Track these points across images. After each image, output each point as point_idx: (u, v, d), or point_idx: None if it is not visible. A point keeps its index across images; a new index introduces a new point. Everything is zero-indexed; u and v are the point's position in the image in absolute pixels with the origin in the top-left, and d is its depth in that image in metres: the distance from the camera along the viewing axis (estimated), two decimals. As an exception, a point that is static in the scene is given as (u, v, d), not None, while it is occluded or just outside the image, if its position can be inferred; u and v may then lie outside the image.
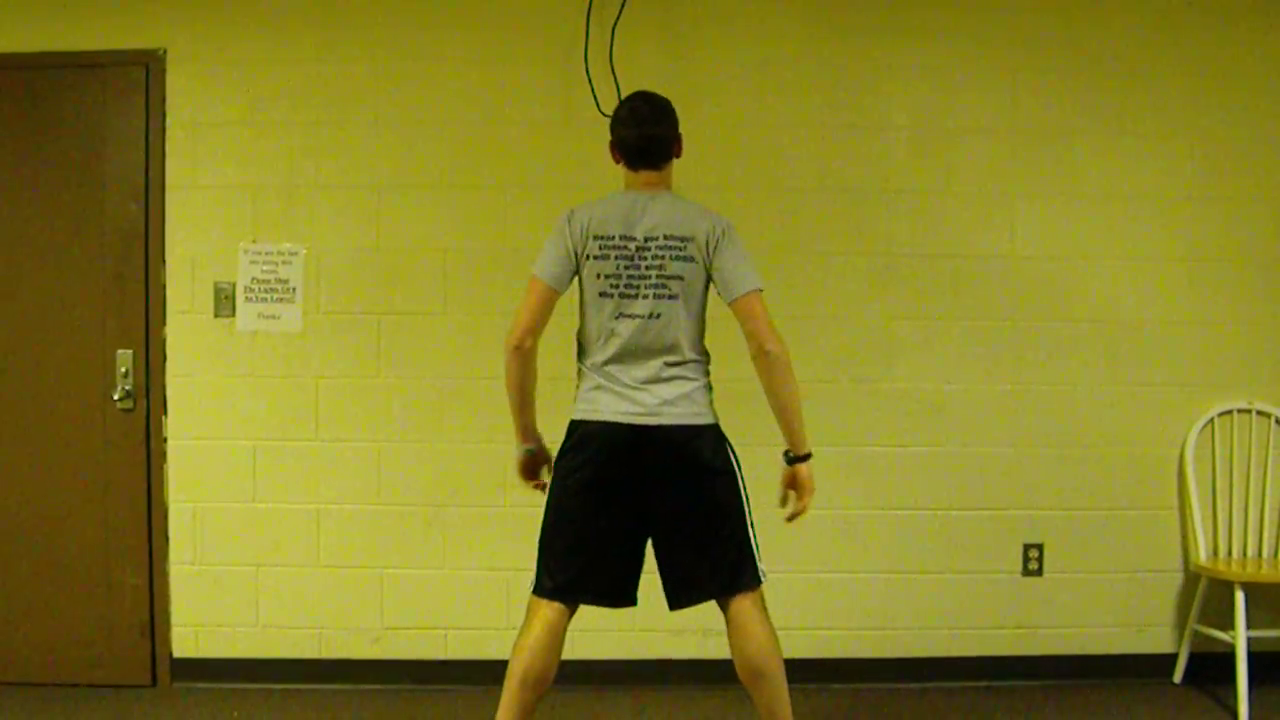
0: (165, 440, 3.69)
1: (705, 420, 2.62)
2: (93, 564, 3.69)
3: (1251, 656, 3.40)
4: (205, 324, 3.69)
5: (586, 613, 2.66)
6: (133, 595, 3.69)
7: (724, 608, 2.63)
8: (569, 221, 2.63)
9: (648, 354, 2.60)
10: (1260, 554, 3.71)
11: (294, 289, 3.70)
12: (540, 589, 2.62)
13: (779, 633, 2.64)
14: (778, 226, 3.71)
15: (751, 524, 2.65)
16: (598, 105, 3.58)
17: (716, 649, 2.96)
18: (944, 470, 3.75)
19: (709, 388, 2.67)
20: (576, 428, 2.63)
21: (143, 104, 3.68)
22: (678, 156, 2.73)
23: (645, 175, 2.68)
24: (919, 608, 3.75)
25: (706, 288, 2.64)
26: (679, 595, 2.66)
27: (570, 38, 3.67)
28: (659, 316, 2.59)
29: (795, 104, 3.72)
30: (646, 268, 2.59)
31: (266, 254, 3.69)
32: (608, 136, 2.74)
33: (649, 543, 2.66)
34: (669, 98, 2.74)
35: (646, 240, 2.59)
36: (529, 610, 2.62)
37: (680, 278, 2.59)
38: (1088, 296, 3.76)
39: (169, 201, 3.68)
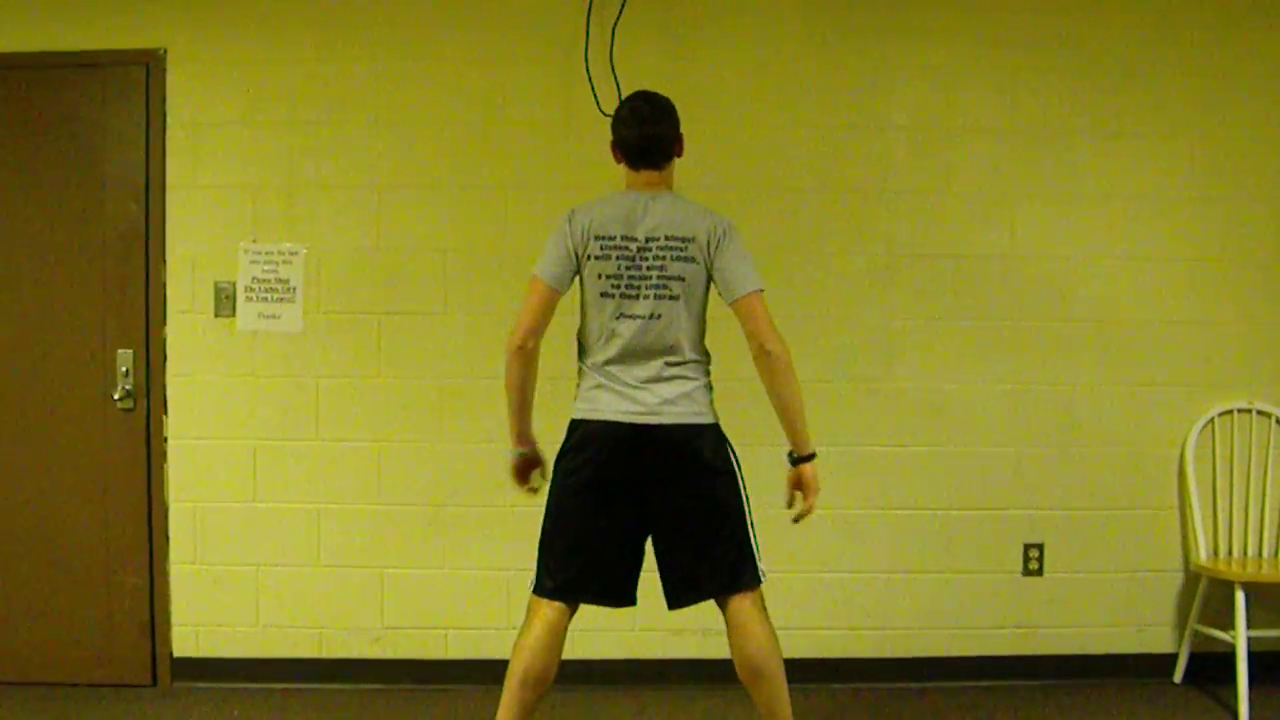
0: (165, 440, 3.69)
1: (706, 420, 2.62)
2: (93, 564, 3.69)
3: (1251, 656, 3.40)
4: (205, 324, 3.69)
5: (586, 613, 2.66)
6: (133, 595, 3.69)
7: (723, 607, 2.63)
8: (570, 222, 2.63)
9: (649, 354, 2.60)
10: (1260, 554, 3.71)
11: (294, 289, 3.70)
12: (540, 588, 2.62)
13: (779, 632, 2.64)
14: (778, 226, 3.71)
15: (751, 524, 2.65)
16: (598, 105, 3.58)
17: (716, 649, 2.96)
18: (944, 470, 3.75)
19: (709, 387, 2.67)
20: (577, 427, 2.63)
21: (143, 104, 3.68)
22: (679, 156, 2.73)
23: (646, 175, 2.68)
24: (919, 608, 3.75)
25: (707, 288, 2.64)
26: (679, 595, 2.66)
27: (570, 38, 3.67)
28: (660, 317, 2.59)
29: (795, 104, 3.73)
30: (648, 268, 2.59)
31: (267, 254, 3.69)
32: (608, 136, 2.74)
33: (649, 542, 2.67)
34: (669, 98, 2.74)
35: (648, 241, 2.60)
36: (529, 610, 2.62)
37: (681, 278, 2.59)
38: (1088, 296, 3.76)
39: (169, 201, 3.68)
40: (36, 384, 3.68)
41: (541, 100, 3.70)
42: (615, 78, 3.61)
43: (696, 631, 3.65)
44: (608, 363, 2.62)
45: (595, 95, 3.61)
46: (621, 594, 2.66)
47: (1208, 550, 3.68)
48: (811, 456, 2.64)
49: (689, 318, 2.62)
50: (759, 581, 2.63)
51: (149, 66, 3.68)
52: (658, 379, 2.60)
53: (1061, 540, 3.76)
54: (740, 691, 2.69)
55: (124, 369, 3.67)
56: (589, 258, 2.61)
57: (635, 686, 3.68)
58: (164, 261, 3.69)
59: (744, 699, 2.73)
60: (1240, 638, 3.39)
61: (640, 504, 2.61)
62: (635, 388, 2.59)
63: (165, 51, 3.69)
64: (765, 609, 2.63)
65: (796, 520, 2.67)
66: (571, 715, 3.45)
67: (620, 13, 3.63)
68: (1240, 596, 3.41)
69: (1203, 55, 3.75)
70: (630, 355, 2.60)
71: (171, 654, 3.71)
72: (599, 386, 2.62)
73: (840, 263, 3.74)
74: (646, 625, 3.61)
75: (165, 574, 3.70)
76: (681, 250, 2.59)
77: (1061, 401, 3.75)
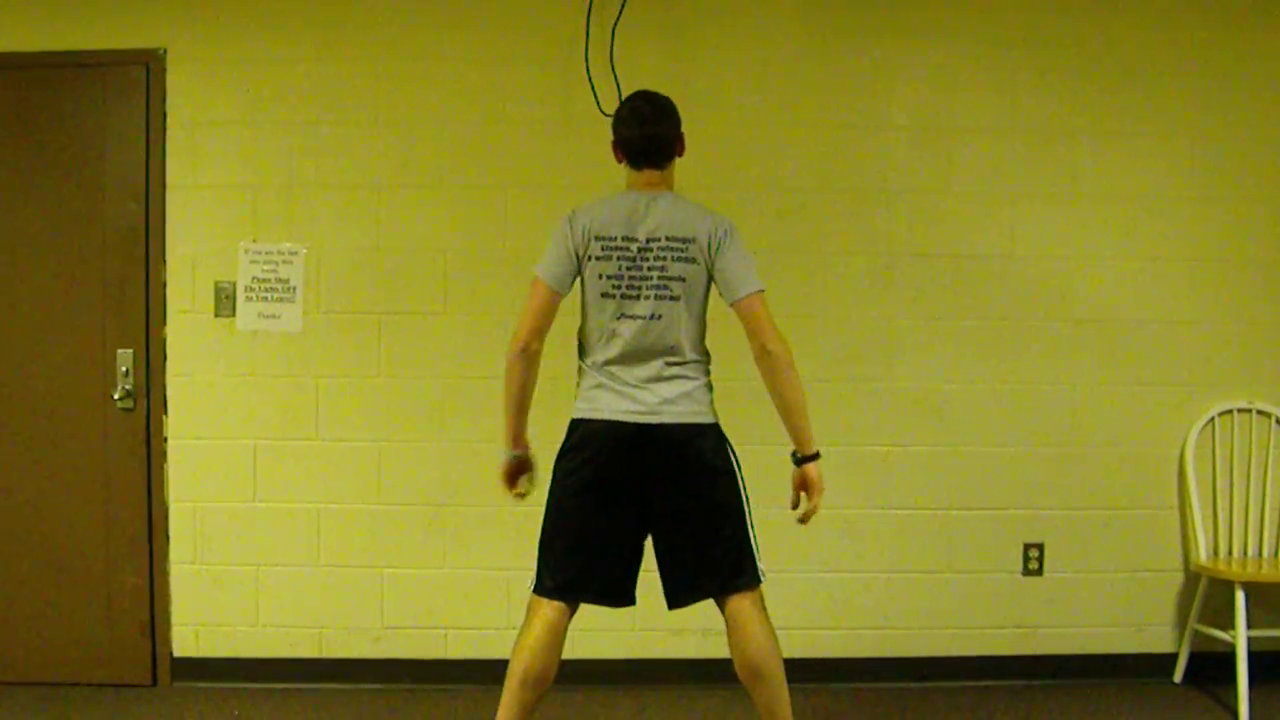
0: (165, 440, 3.69)
1: (706, 419, 2.63)
2: (93, 564, 3.69)
3: (1252, 656, 3.40)
4: (205, 324, 3.69)
5: (586, 612, 2.66)
6: (133, 595, 3.69)
7: (723, 607, 2.63)
8: (570, 223, 2.63)
9: (649, 354, 2.60)
10: (1260, 553, 3.71)
11: (294, 288, 3.70)
12: (541, 588, 2.62)
13: (779, 632, 2.63)
14: (778, 226, 3.71)
15: (751, 524, 2.65)
16: (598, 105, 3.58)
17: (716, 648, 2.96)
18: (944, 470, 3.75)
19: (709, 387, 2.68)
20: (578, 426, 2.63)
21: (143, 104, 3.68)
22: (680, 155, 2.73)
23: (648, 175, 2.68)
24: (919, 607, 3.75)
25: (708, 288, 2.64)
26: (678, 594, 2.66)
27: (570, 38, 3.67)
28: (660, 317, 2.59)
29: (795, 104, 3.73)
30: (648, 269, 2.59)
31: (266, 253, 3.69)
32: (608, 136, 2.74)
33: (648, 542, 2.67)
34: (669, 97, 2.74)
35: (648, 241, 2.60)
36: (529, 609, 2.62)
37: (682, 279, 2.59)
38: (1088, 296, 3.76)
39: (169, 201, 3.68)
40: (36, 384, 3.68)
41: (541, 100, 3.70)
42: (615, 78, 3.61)
43: (696, 631, 3.65)
44: (608, 363, 2.62)
45: (595, 95, 3.61)
46: (621, 594, 2.66)
47: (1208, 550, 3.69)
48: (816, 456, 2.64)
49: (689, 318, 2.62)
50: (759, 581, 2.64)
51: (149, 66, 3.68)
52: (658, 379, 2.60)
53: (1061, 540, 3.76)
54: (740, 691, 2.69)
55: (124, 369, 3.67)
56: (590, 258, 2.61)
57: (635, 686, 3.68)
58: (164, 261, 3.69)
59: (744, 699, 2.73)
60: (1240, 638, 3.39)
61: (640, 503, 2.61)
62: (636, 387, 2.59)
63: (165, 51, 3.69)
64: (765, 609, 2.63)
65: (803, 521, 2.67)
66: (571, 715, 3.45)
67: (620, 13, 3.63)
68: (1240, 596, 3.41)
69: (1203, 55, 3.75)
70: (631, 355, 2.60)
71: (171, 654, 3.71)
72: (599, 386, 2.62)
73: (840, 263, 3.74)
74: (646, 625, 3.61)
75: (165, 574, 3.70)
76: (682, 251, 2.59)
77: (1061, 401, 3.76)
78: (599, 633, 3.52)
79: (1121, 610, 3.77)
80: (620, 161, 2.71)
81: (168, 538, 3.70)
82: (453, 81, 3.70)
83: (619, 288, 2.60)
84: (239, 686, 3.66)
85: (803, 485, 2.66)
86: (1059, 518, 3.76)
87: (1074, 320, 3.76)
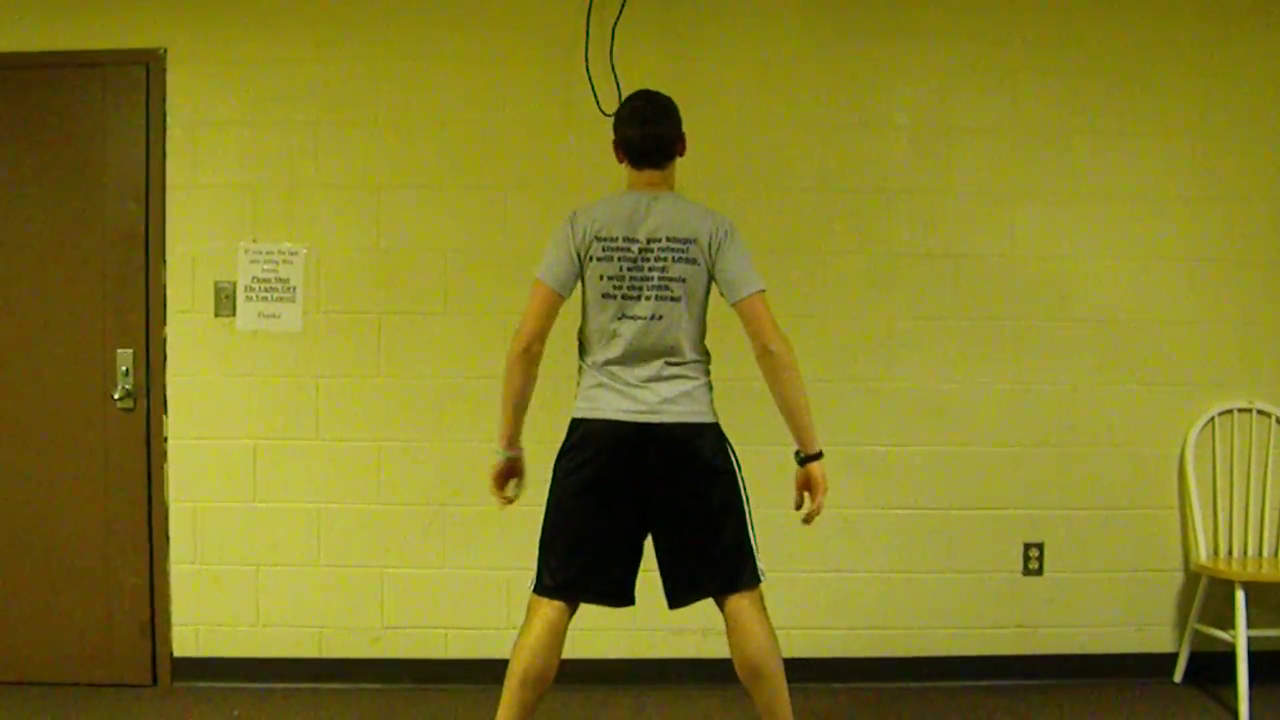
0: (165, 440, 3.69)
1: (706, 419, 2.63)
2: (93, 564, 3.69)
3: (1252, 656, 3.40)
4: (205, 323, 3.69)
5: (586, 612, 2.66)
6: (133, 595, 3.69)
7: (723, 607, 2.63)
8: (571, 224, 2.63)
9: (650, 354, 2.60)
10: (1260, 553, 3.71)
11: (294, 288, 3.70)
12: (541, 587, 2.62)
13: (779, 632, 2.64)
14: (778, 226, 3.71)
15: (751, 523, 2.65)
16: (598, 105, 3.58)
17: (716, 648, 2.96)
18: (944, 470, 3.75)
19: (710, 387, 2.68)
20: (578, 426, 2.63)
21: (143, 104, 3.68)
22: (681, 155, 2.73)
23: (648, 174, 2.68)
24: (919, 607, 3.75)
25: (708, 289, 2.65)
26: (678, 594, 2.66)
27: (570, 38, 3.67)
28: (661, 318, 2.59)
29: (795, 104, 3.73)
30: (649, 269, 2.59)
31: (267, 253, 3.69)
32: (608, 136, 2.75)
33: (648, 541, 2.67)
34: (670, 97, 2.74)
35: (649, 242, 2.60)
36: (529, 609, 2.62)
37: (682, 279, 2.60)
38: (1088, 296, 3.76)
39: (169, 201, 3.68)
40: (36, 384, 3.68)
41: (541, 100, 3.70)
42: (615, 78, 3.61)
43: (696, 631, 3.65)
44: (609, 362, 2.62)
45: (595, 95, 3.61)
46: (621, 593, 2.66)
47: (1208, 550, 3.69)
48: (819, 455, 2.64)
49: (690, 318, 2.62)
50: (758, 581, 2.64)
51: (149, 66, 3.68)
52: (658, 378, 2.60)
53: (1061, 540, 3.76)
54: (740, 691, 2.69)
55: (124, 369, 3.67)
56: (591, 259, 2.61)
57: (635, 686, 3.68)
58: (164, 261, 3.69)
59: (744, 699, 2.73)
60: (1240, 637, 3.39)
61: (641, 503, 2.61)
62: (636, 386, 2.59)
63: (165, 51, 3.69)
64: (765, 608, 2.63)
65: (806, 521, 2.66)
66: (571, 715, 3.45)
67: (620, 13, 3.63)
68: (1240, 596, 3.41)
69: (1203, 55, 3.75)
70: (631, 355, 2.60)
71: (171, 654, 3.71)
72: (600, 385, 2.62)
73: (840, 263, 3.74)
74: (646, 625, 3.61)
75: (165, 574, 3.70)
76: (683, 251, 2.59)
77: (1061, 401, 3.76)
78: (599, 632, 3.52)
79: (1121, 610, 3.77)
80: (621, 161, 2.72)
81: (167, 537, 3.70)
82: (453, 81, 3.70)
83: (620, 288, 2.60)
84: (239, 686, 3.67)
85: (806, 485, 2.66)
86: (1059, 517, 3.76)
87: (1074, 320, 3.76)
